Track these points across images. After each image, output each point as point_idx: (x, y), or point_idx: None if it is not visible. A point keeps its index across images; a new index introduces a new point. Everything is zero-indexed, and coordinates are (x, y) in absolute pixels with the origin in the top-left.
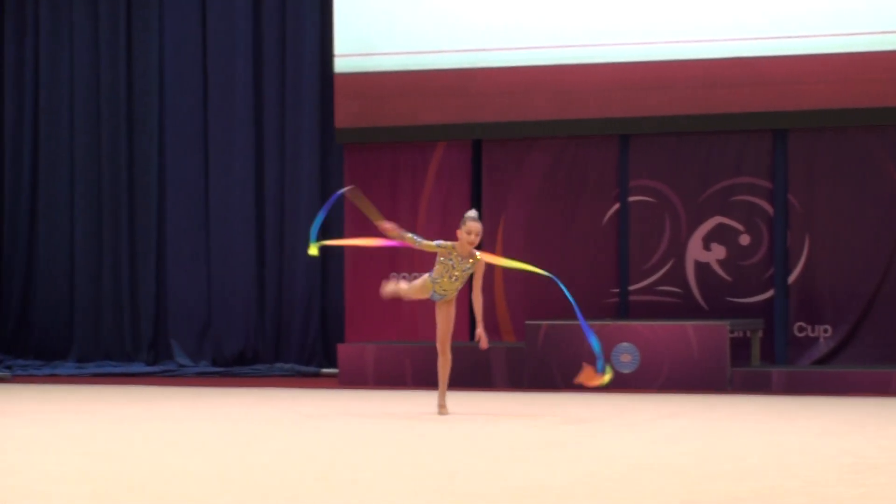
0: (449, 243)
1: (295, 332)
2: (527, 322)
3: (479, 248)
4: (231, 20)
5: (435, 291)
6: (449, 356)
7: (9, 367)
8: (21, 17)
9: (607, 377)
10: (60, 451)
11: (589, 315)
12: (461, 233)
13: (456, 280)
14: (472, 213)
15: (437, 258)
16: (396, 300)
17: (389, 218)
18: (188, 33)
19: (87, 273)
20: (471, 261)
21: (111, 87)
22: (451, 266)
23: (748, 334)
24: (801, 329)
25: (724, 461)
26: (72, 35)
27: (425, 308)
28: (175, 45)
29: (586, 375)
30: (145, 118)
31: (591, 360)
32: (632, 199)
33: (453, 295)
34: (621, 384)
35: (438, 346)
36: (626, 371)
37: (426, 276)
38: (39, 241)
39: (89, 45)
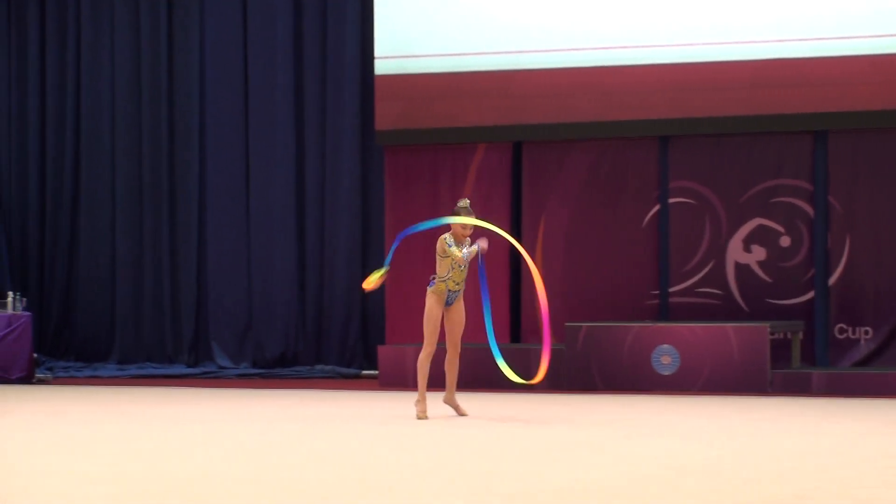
0: (447, 239)
1: (335, 333)
2: (566, 324)
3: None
4: (272, 21)
5: (450, 291)
6: (458, 353)
7: (50, 369)
8: (62, 15)
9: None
10: (99, 452)
11: (629, 317)
12: (455, 224)
13: (464, 268)
14: (465, 202)
15: (440, 257)
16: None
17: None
18: (229, 34)
19: (128, 275)
20: (469, 247)
21: (152, 87)
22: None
23: (789, 336)
24: (841, 331)
25: (764, 463)
26: (112, 35)
27: (468, 305)
28: (216, 46)
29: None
30: (186, 119)
31: (631, 364)
32: (672, 200)
33: (462, 287)
34: (661, 386)
35: (451, 346)
36: (666, 373)
37: (430, 291)
38: (80, 243)
39: (130, 46)
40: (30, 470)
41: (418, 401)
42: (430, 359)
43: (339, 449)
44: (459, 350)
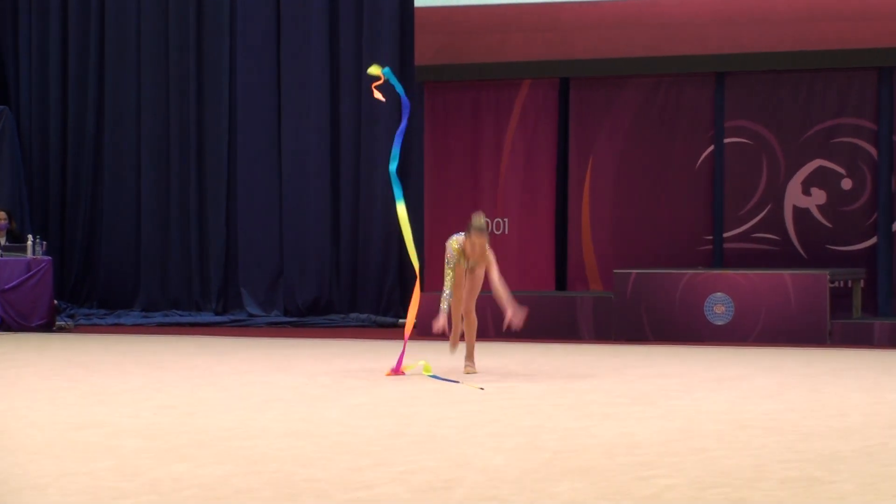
0: (455, 244)
1: (371, 281)
2: (615, 271)
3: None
4: None
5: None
6: (475, 318)
7: (71, 317)
8: None
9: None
10: (128, 403)
11: (681, 263)
12: (467, 242)
13: (470, 264)
14: (480, 223)
15: (446, 265)
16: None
17: (472, 161)
18: None
19: (154, 219)
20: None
21: (179, 21)
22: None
23: (849, 284)
24: None
25: (825, 418)
26: None
27: (509, 256)
28: None
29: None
30: (214, 56)
31: (683, 313)
32: (727, 140)
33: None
34: (714, 337)
35: (464, 308)
36: (719, 323)
37: (447, 274)
38: (104, 185)
39: None
40: (55, 423)
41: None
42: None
43: (375, 402)
44: (474, 317)
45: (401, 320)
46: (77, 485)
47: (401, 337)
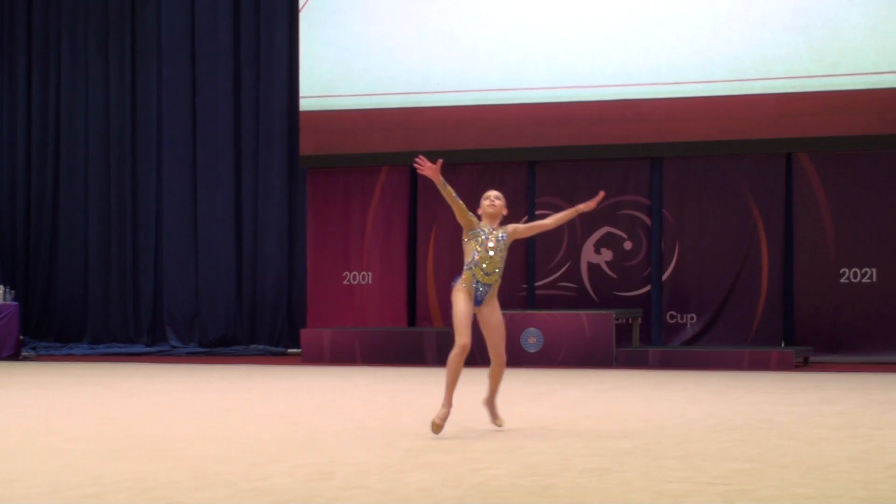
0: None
1: (266, 319)
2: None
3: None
4: (215, 67)
5: (478, 282)
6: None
7: (33, 349)
8: (46, 57)
9: None
10: (79, 416)
11: (503, 305)
12: (481, 208)
13: (495, 252)
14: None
15: (465, 241)
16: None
17: (344, 228)
18: (180, 78)
19: (99, 272)
20: (503, 230)
21: (119, 122)
22: (484, 238)
23: (630, 321)
24: (672, 317)
25: (612, 423)
26: (87, 79)
27: (373, 297)
28: (170, 88)
29: None
30: (146, 148)
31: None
32: (538, 212)
33: (495, 281)
34: (528, 362)
35: (492, 356)
36: (532, 351)
37: (457, 288)
38: (59, 246)
39: (101, 86)
40: (21, 431)
41: (442, 405)
42: (461, 356)
43: (272, 413)
44: (504, 359)
45: (289, 350)
46: (39, 479)
47: (289, 363)
